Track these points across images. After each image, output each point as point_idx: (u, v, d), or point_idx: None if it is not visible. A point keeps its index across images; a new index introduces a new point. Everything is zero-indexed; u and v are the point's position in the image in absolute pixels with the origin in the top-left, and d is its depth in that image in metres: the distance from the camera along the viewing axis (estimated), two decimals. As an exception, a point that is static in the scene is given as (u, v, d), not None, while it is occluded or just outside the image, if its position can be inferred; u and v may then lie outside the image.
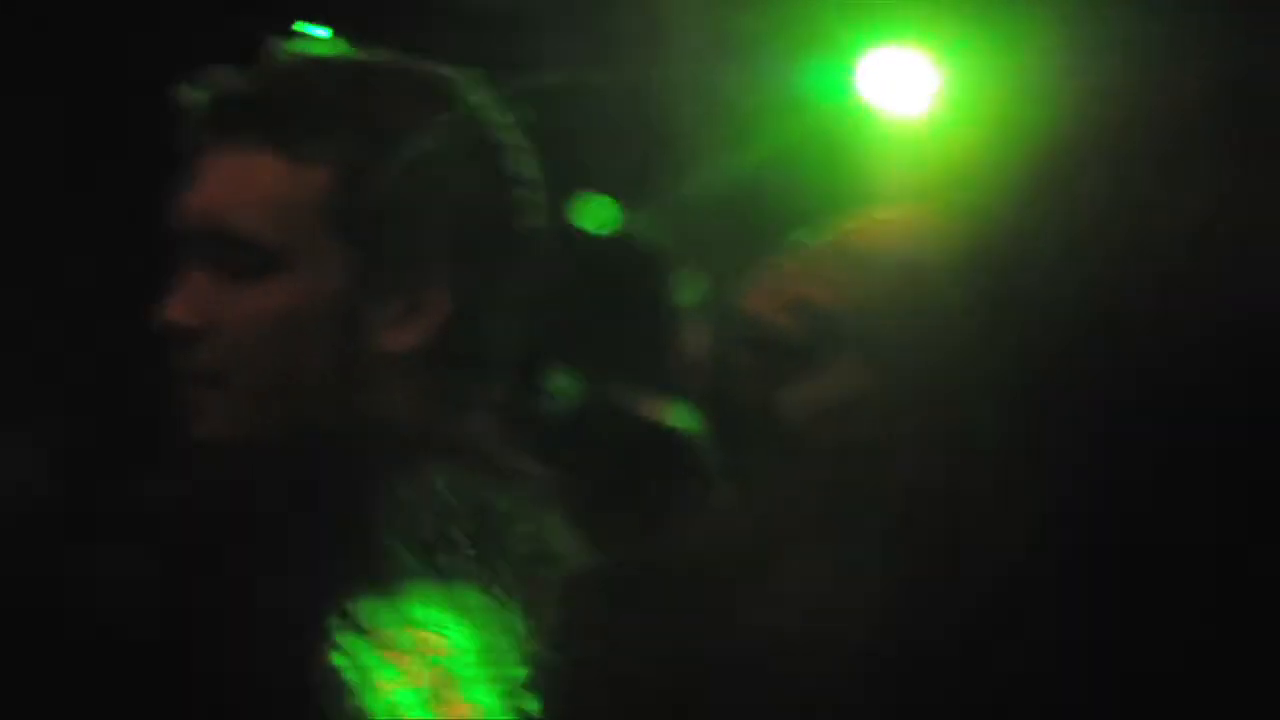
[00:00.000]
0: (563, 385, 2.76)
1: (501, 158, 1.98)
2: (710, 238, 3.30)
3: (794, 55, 3.60)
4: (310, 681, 1.79)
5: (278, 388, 1.91)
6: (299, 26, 2.14)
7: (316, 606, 1.86)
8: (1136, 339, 1.09)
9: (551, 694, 1.70)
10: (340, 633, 1.85)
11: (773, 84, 3.58)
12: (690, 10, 3.56)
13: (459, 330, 1.95)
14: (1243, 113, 1.15)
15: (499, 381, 2.04)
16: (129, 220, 2.73)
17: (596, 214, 2.94)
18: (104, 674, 1.84)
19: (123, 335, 2.72)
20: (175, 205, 1.94)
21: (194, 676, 1.80)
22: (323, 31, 2.16)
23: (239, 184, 1.93)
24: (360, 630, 1.85)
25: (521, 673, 1.87)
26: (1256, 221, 1.09)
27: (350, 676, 1.78)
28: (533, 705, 1.85)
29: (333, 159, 1.93)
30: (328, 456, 1.99)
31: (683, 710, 1.44)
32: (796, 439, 2.34)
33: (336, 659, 1.82)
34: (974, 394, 1.14)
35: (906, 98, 3.58)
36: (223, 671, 1.82)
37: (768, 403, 2.28)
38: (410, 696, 1.83)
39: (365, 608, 1.88)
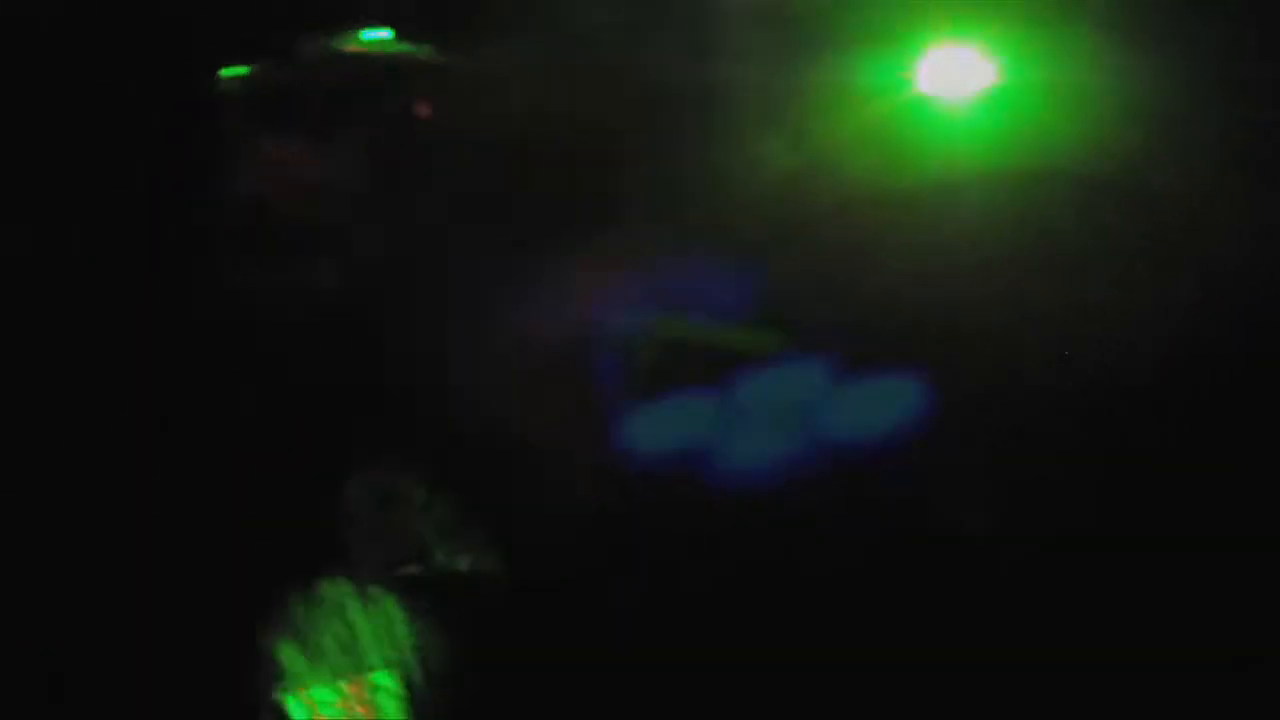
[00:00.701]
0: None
1: (525, 149, 2.11)
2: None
3: (855, 49, 3.70)
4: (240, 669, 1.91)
5: None
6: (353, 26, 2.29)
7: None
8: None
9: (436, 682, 1.85)
10: (274, 626, 1.97)
11: (833, 77, 3.68)
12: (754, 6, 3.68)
13: None
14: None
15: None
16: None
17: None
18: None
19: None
20: (226, 189, 2.09)
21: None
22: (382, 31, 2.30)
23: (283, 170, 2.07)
24: (290, 625, 1.98)
25: (413, 661, 1.98)
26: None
27: (277, 669, 1.90)
28: (421, 691, 1.97)
29: (367, 149, 2.07)
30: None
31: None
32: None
33: (269, 649, 1.94)
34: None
35: (961, 90, 3.68)
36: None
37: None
38: (325, 692, 1.94)
39: (300, 600, 2.01)
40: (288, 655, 1.93)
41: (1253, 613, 3.02)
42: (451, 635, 1.83)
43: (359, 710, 2.02)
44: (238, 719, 2.01)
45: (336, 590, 2.05)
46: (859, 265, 3.47)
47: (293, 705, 1.95)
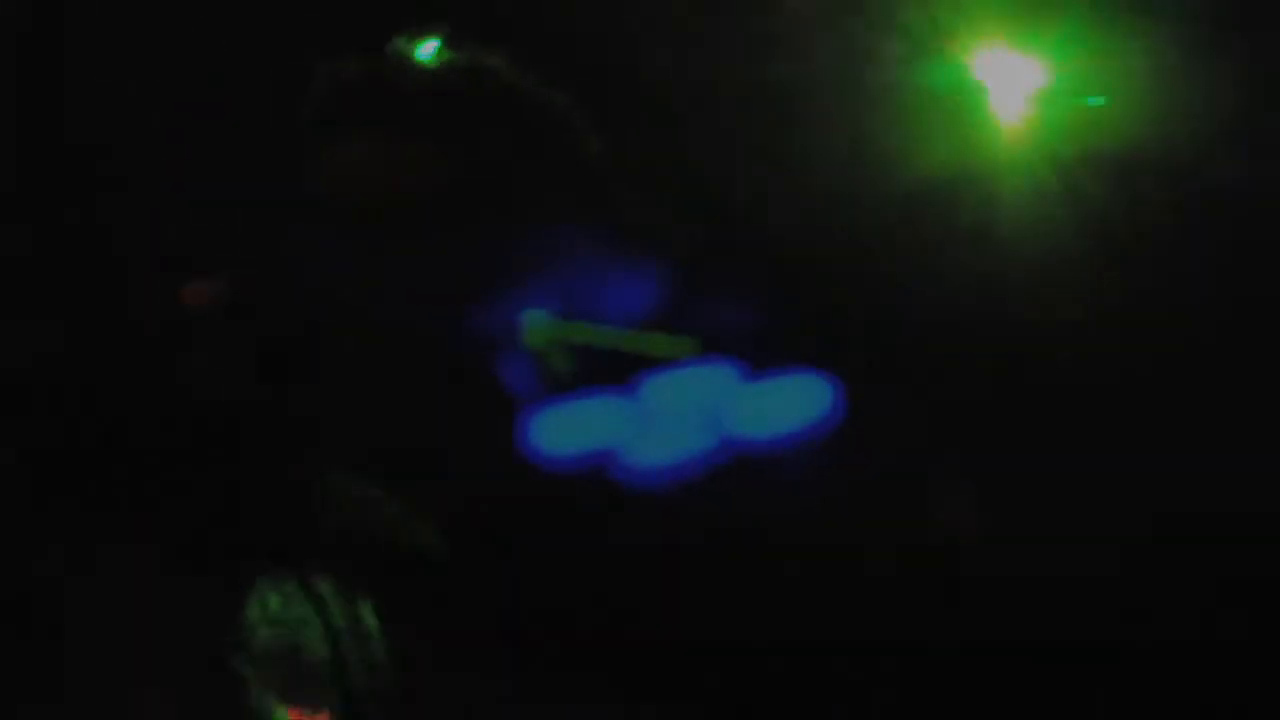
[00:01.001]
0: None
1: (586, 158, 2.14)
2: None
3: (911, 51, 3.70)
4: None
5: None
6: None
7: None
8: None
9: (380, 687, 1.86)
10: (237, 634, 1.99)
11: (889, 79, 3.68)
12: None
13: None
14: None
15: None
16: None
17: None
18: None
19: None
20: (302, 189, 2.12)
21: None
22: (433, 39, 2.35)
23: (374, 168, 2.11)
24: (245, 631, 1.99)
25: (359, 666, 1.99)
26: None
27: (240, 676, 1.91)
28: (365, 698, 1.97)
29: (451, 154, 2.11)
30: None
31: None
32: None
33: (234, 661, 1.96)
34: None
35: (1013, 94, 3.67)
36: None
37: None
38: (271, 702, 1.95)
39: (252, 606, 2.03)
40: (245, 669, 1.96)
41: (1252, 613, 2.99)
42: (393, 638, 1.84)
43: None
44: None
45: (280, 595, 2.07)
46: (912, 263, 3.48)
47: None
